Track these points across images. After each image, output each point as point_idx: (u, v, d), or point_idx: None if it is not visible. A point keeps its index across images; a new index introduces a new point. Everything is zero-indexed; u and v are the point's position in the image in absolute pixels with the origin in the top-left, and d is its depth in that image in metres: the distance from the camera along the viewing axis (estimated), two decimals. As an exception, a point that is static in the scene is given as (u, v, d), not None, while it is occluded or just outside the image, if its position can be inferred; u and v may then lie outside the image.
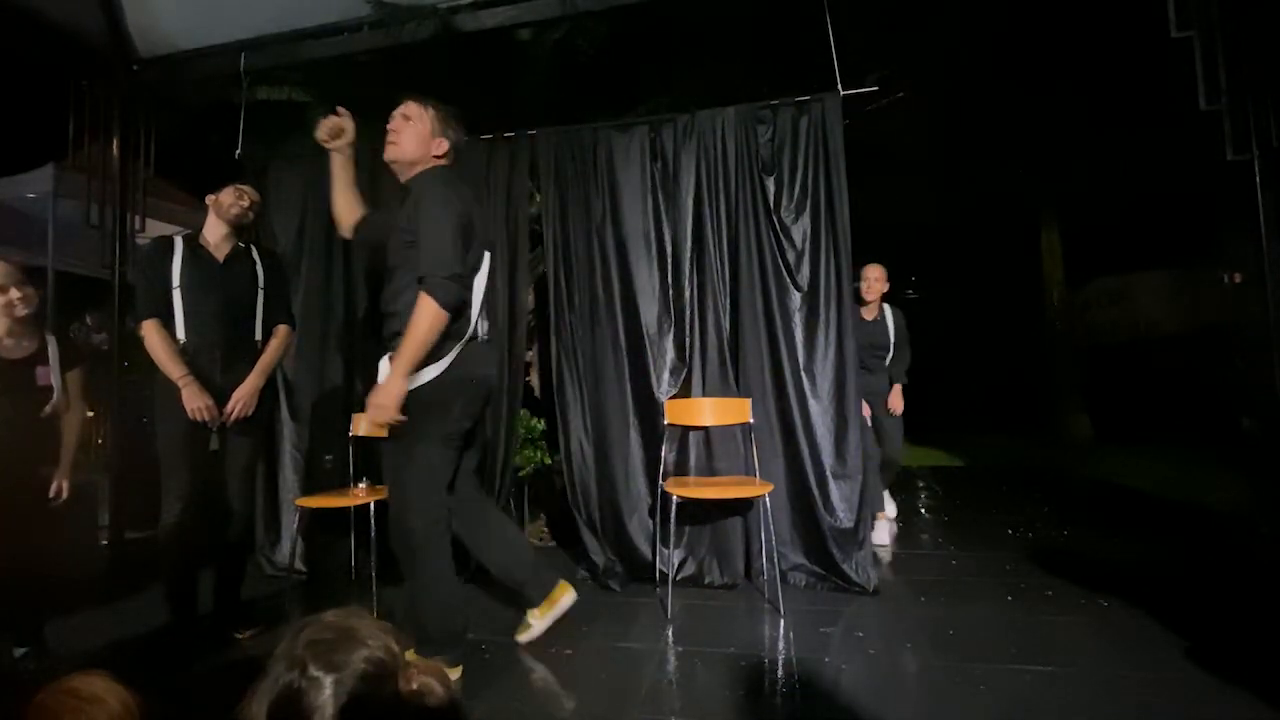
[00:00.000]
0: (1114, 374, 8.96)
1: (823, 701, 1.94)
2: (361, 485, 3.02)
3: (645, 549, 3.06)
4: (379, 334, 2.22)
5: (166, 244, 2.52)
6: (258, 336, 2.61)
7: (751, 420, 2.97)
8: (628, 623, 2.63)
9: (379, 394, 1.94)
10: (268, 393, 2.63)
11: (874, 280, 3.76)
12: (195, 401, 2.37)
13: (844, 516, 2.93)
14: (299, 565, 3.31)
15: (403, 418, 1.95)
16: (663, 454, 3.02)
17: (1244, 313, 5.96)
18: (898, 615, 2.62)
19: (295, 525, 3.29)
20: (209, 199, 2.59)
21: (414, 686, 0.75)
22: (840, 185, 2.99)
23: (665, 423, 3.05)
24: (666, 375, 3.16)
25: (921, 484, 5.68)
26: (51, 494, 2.48)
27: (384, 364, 2.11)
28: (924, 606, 2.70)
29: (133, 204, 3.66)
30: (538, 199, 3.51)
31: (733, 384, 3.08)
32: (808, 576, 2.94)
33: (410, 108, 2.16)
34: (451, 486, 2.18)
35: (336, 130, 2.23)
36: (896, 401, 3.79)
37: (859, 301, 3.75)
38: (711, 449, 3.08)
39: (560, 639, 2.42)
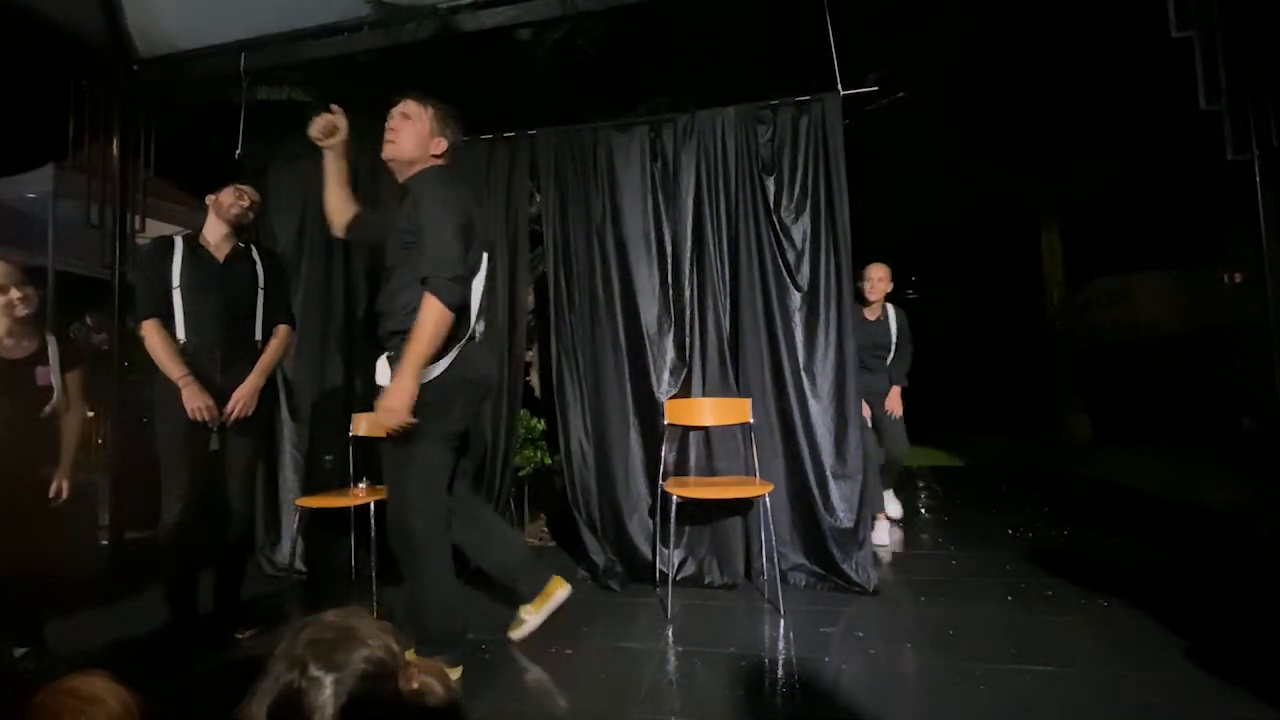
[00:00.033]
0: (1114, 374, 8.96)
1: (823, 701, 1.94)
2: (361, 485, 3.02)
3: (645, 549, 3.06)
4: (376, 334, 2.21)
5: (166, 244, 2.52)
6: (258, 336, 2.61)
7: (751, 420, 2.97)
8: (628, 623, 2.63)
9: (389, 397, 1.93)
10: (268, 393, 2.63)
11: (877, 280, 3.75)
12: (195, 401, 2.37)
13: (844, 516, 2.93)
14: (299, 565, 3.31)
15: (414, 420, 1.94)
16: (663, 454, 3.02)
17: (1244, 313, 5.96)
18: (898, 615, 2.62)
19: (295, 525, 3.29)
20: (209, 199, 2.59)
21: (414, 686, 0.75)
22: (840, 185, 2.99)
23: (665, 423, 3.05)
24: (666, 375, 3.16)
25: (921, 484, 5.68)
26: (51, 494, 2.48)
27: (382, 364, 2.11)
28: (924, 606, 2.70)
29: (133, 204, 3.66)
30: (538, 199, 3.51)
31: (733, 384, 3.08)
32: (808, 576, 2.94)
33: (410, 106, 2.16)
34: (449, 487, 2.18)
35: (330, 128, 2.22)
36: (895, 403, 3.78)
37: (862, 301, 3.75)
38: (711, 449, 3.08)
39: (560, 639, 2.42)
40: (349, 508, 3.15)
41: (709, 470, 3.07)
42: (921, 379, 3.95)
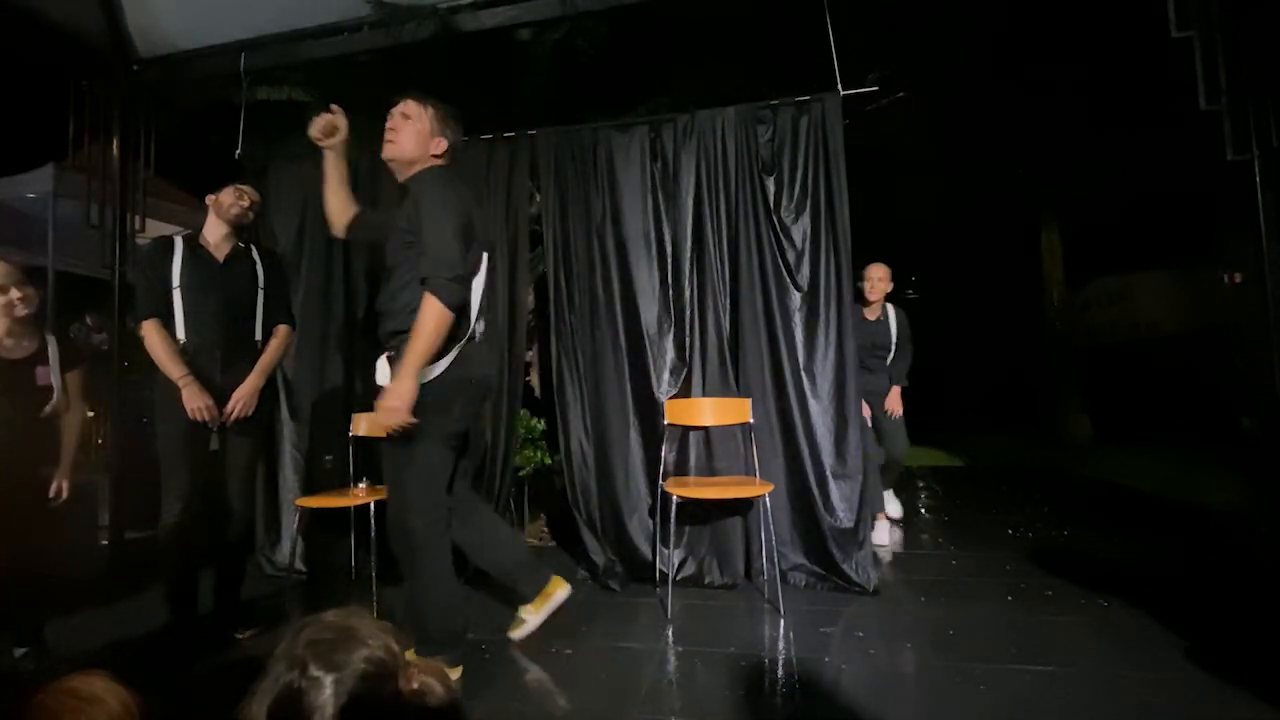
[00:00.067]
0: (1114, 374, 8.95)
1: (823, 701, 1.94)
2: (361, 485, 3.02)
3: (645, 549, 3.06)
4: (376, 334, 2.21)
5: (166, 244, 2.52)
6: (258, 336, 2.61)
7: (751, 420, 2.97)
8: (628, 623, 2.63)
9: (389, 397, 1.93)
10: (268, 393, 2.63)
11: (877, 280, 3.75)
12: (195, 401, 2.37)
13: (844, 516, 2.93)
14: (299, 565, 3.31)
15: (414, 420, 1.94)
16: (663, 454, 3.02)
17: (1244, 313, 5.96)
18: (898, 615, 2.62)
19: (295, 525, 3.29)
20: (209, 199, 2.59)
21: (414, 686, 0.75)
22: (840, 185, 2.99)
23: (665, 423, 3.05)
24: (666, 375, 3.16)
25: (921, 484, 5.68)
26: (51, 494, 2.48)
27: (381, 364, 2.11)
28: (924, 606, 2.70)
29: (133, 204, 3.66)
30: (538, 199, 3.51)
31: (733, 384, 3.08)
32: (808, 576, 2.94)
33: (410, 106, 2.15)
34: (449, 487, 2.18)
35: (330, 128, 2.22)
36: (894, 403, 3.78)
37: (862, 301, 3.75)
38: (711, 449, 3.08)
39: (560, 639, 2.42)
40: (349, 508, 3.15)
41: (709, 470, 3.07)
42: (921, 379, 3.95)
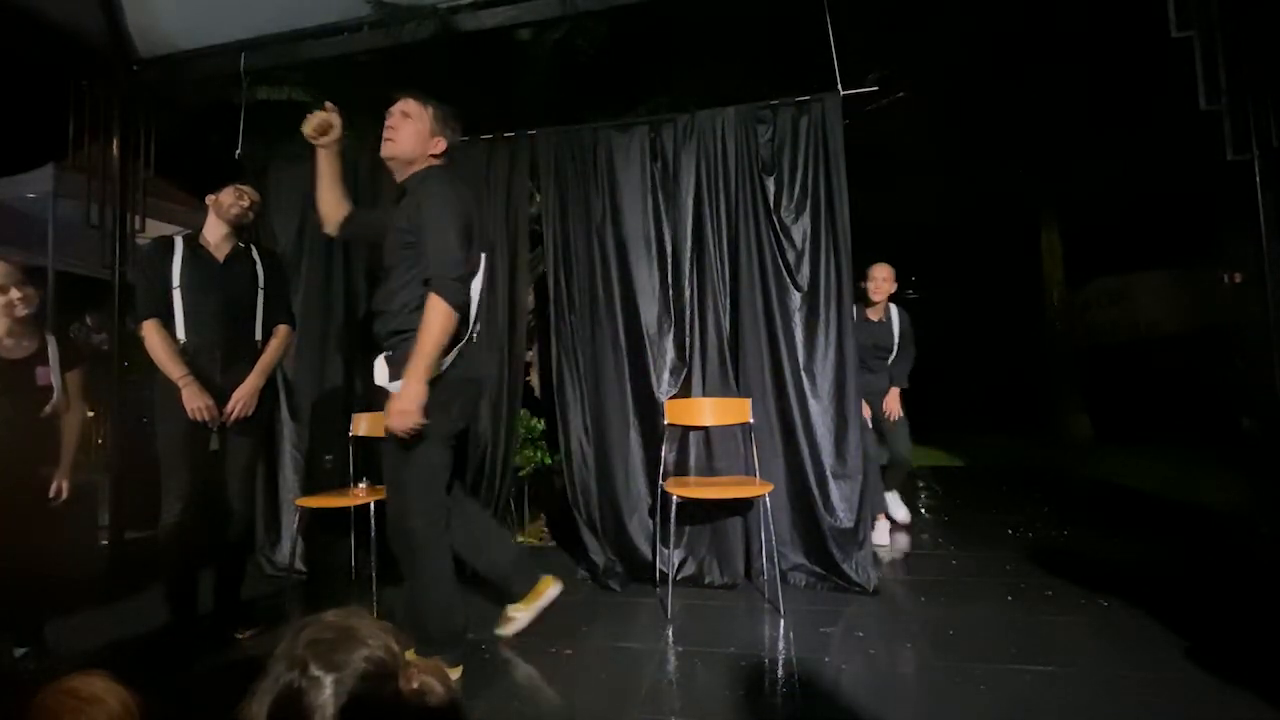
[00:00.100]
0: (1114, 374, 8.95)
1: (823, 701, 1.94)
2: (361, 485, 3.02)
3: (645, 549, 3.06)
4: (372, 333, 2.21)
5: (166, 244, 2.52)
6: (258, 336, 2.61)
7: (751, 420, 2.97)
8: (628, 623, 2.63)
9: (401, 400, 1.92)
10: (268, 393, 2.63)
11: (881, 280, 3.73)
12: (195, 401, 2.37)
13: (844, 516, 2.93)
14: (299, 565, 3.31)
15: (425, 420, 1.94)
16: (663, 454, 3.02)
17: (1244, 313, 5.96)
18: (898, 615, 2.63)
19: (295, 525, 3.29)
20: (209, 199, 2.59)
21: (414, 686, 0.75)
22: (840, 185, 2.99)
23: (665, 423, 3.05)
24: (666, 375, 3.16)
25: (921, 484, 5.68)
26: (51, 494, 2.48)
27: (380, 363, 2.10)
28: (924, 606, 2.70)
29: (133, 204, 3.66)
30: (538, 199, 3.51)
31: (733, 384, 3.08)
32: (808, 576, 2.94)
33: (410, 105, 2.15)
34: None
35: (325, 126, 2.20)
36: (893, 404, 3.75)
37: (865, 302, 3.73)
38: (711, 449, 3.08)
39: (560, 639, 2.43)
40: (349, 508, 3.16)
41: (709, 470, 3.07)
42: (921, 379, 3.94)
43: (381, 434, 2.12)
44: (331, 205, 2.31)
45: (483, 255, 2.18)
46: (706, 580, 2.99)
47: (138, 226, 3.68)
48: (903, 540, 3.74)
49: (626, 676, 2.15)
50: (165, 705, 0.87)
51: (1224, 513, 3.99)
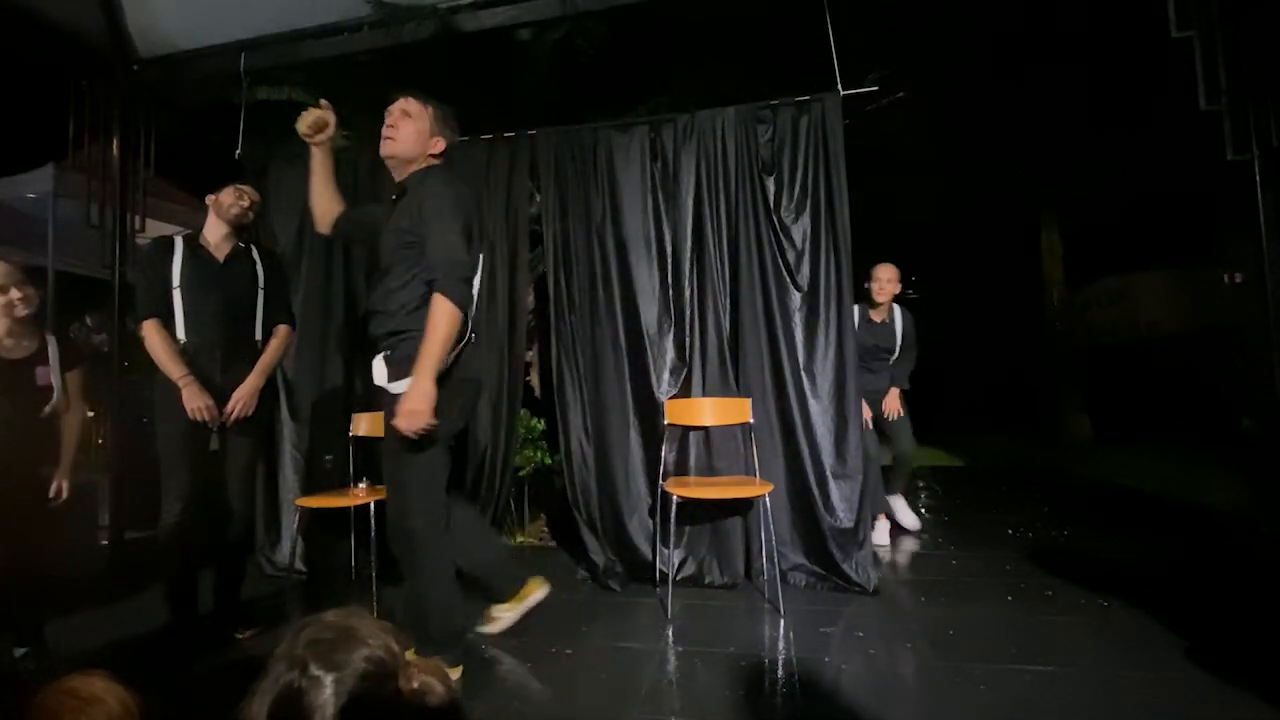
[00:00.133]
0: (1114, 374, 8.96)
1: (823, 701, 1.94)
2: (361, 485, 3.02)
3: (645, 549, 3.06)
4: (368, 333, 2.21)
5: (166, 244, 2.52)
6: (258, 336, 2.61)
7: (751, 420, 2.97)
8: (628, 623, 2.63)
9: (410, 399, 1.91)
10: (268, 393, 2.63)
11: (886, 281, 3.67)
12: (195, 401, 2.37)
13: (844, 516, 2.93)
14: (299, 565, 3.31)
15: (436, 421, 1.94)
16: (663, 454, 3.02)
17: (1244, 313, 5.96)
18: (898, 615, 2.63)
19: (295, 525, 3.29)
20: (209, 199, 2.59)
21: (414, 686, 0.75)
22: (840, 185, 2.99)
23: (665, 423, 3.05)
24: (666, 375, 3.16)
25: (921, 484, 5.68)
26: (51, 494, 2.48)
27: (378, 363, 2.10)
28: (924, 606, 2.70)
29: (133, 204, 3.66)
30: (538, 199, 3.51)
31: (733, 384, 3.08)
32: (808, 576, 2.94)
33: (410, 104, 2.15)
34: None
35: (320, 124, 2.20)
36: (892, 404, 3.73)
37: (869, 303, 3.70)
38: (711, 449, 3.08)
39: (560, 639, 2.43)
40: (349, 508, 3.16)
41: (709, 470, 3.07)
42: (922, 379, 3.93)
43: (381, 434, 2.12)
44: (324, 203, 2.31)
45: (479, 257, 2.18)
46: (706, 580, 2.99)
47: (138, 226, 3.68)
48: (909, 542, 3.73)
49: (626, 676, 2.15)
50: (165, 705, 0.87)
51: (1224, 513, 3.99)
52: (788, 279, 3.07)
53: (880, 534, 3.63)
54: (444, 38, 3.28)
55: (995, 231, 9.85)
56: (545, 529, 3.97)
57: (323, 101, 2.23)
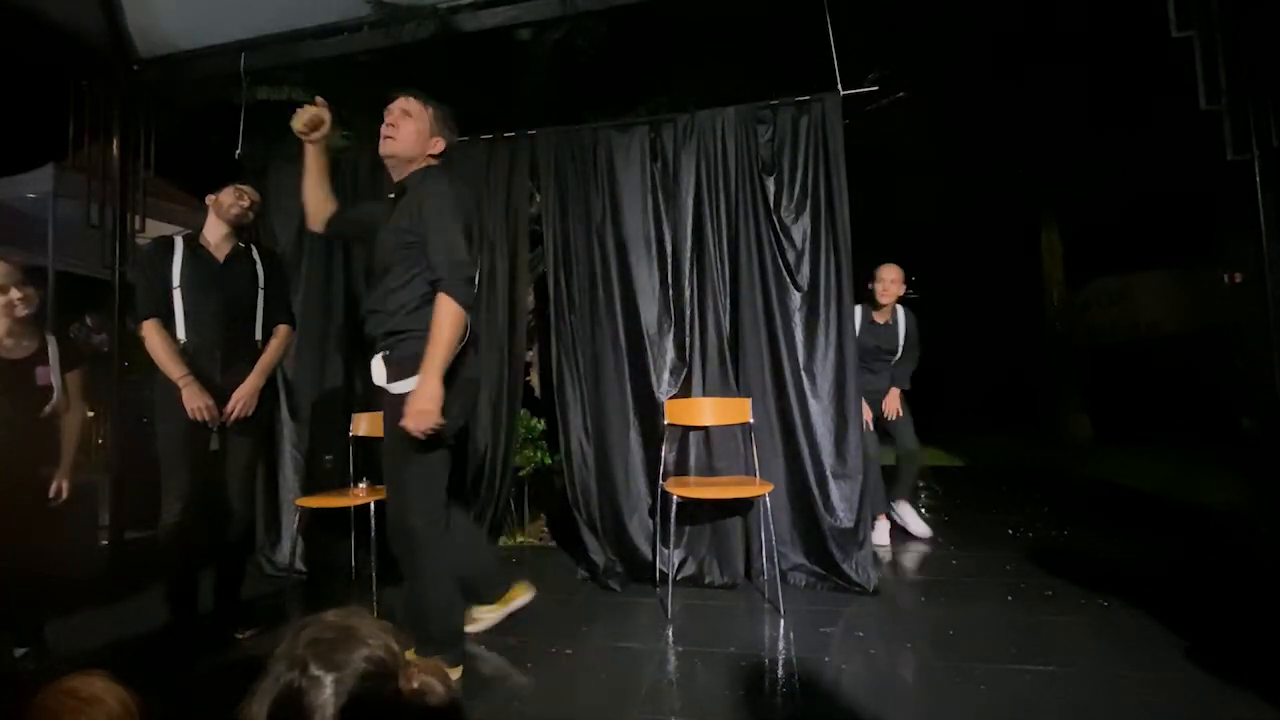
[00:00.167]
0: (1114, 374, 8.96)
1: (823, 701, 1.94)
2: (361, 485, 3.02)
3: (645, 549, 3.06)
4: (365, 333, 2.21)
5: (166, 244, 2.52)
6: (258, 336, 2.61)
7: (751, 420, 2.97)
8: (628, 623, 2.63)
9: (419, 400, 1.91)
10: (268, 393, 2.63)
11: (890, 282, 3.62)
12: (195, 401, 2.37)
13: (844, 516, 2.93)
14: (299, 565, 3.31)
15: (444, 421, 1.94)
16: (663, 454, 3.02)
17: (1244, 313, 5.96)
18: (898, 615, 2.63)
19: (295, 525, 3.29)
20: (209, 199, 2.59)
21: (414, 686, 0.75)
22: (840, 185, 2.99)
23: (665, 423, 3.05)
24: (666, 375, 3.16)
25: (921, 484, 5.67)
26: (51, 494, 2.48)
27: (377, 363, 2.10)
28: (924, 606, 2.70)
29: (133, 204, 3.66)
30: (538, 199, 3.51)
31: (733, 384, 3.08)
32: (808, 576, 2.94)
33: (411, 104, 2.14)
34: None
35: (316, 122, 2.19)
36: (892, 404, 3.69)
37: (873, 304, 3.67)
38: (711, 449, 3.08)
39: (560, 639, 2.43)
40: (349, 508, 3.15)
41: (709, 470, 3.07)
42: (922, 379, 3.91)
43: (381, 434, 2.12)
44: (318, 201, 2.30)
45: (478, 256, 2.18)
46: (706, 580, 2.99)
47: (138, 226, 3.68)
48: (909, 542, 3.71)
49: (626, 676, 2.15)
50: (165, 705, 0.87)
51: (1224, 513, 3.99)
52: (788, 279, 3.07)
53: (880, 534, 3.62)
54: (444, 38, 3.28)
55: (995, 231, 9.84)
56: (545, 529, 3.97)
57: (318, 99, 2.22)
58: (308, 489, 3.35)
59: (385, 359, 2.07)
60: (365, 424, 3.24)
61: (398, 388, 2.01)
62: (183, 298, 2.46)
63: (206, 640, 2.47)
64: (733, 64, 5.28)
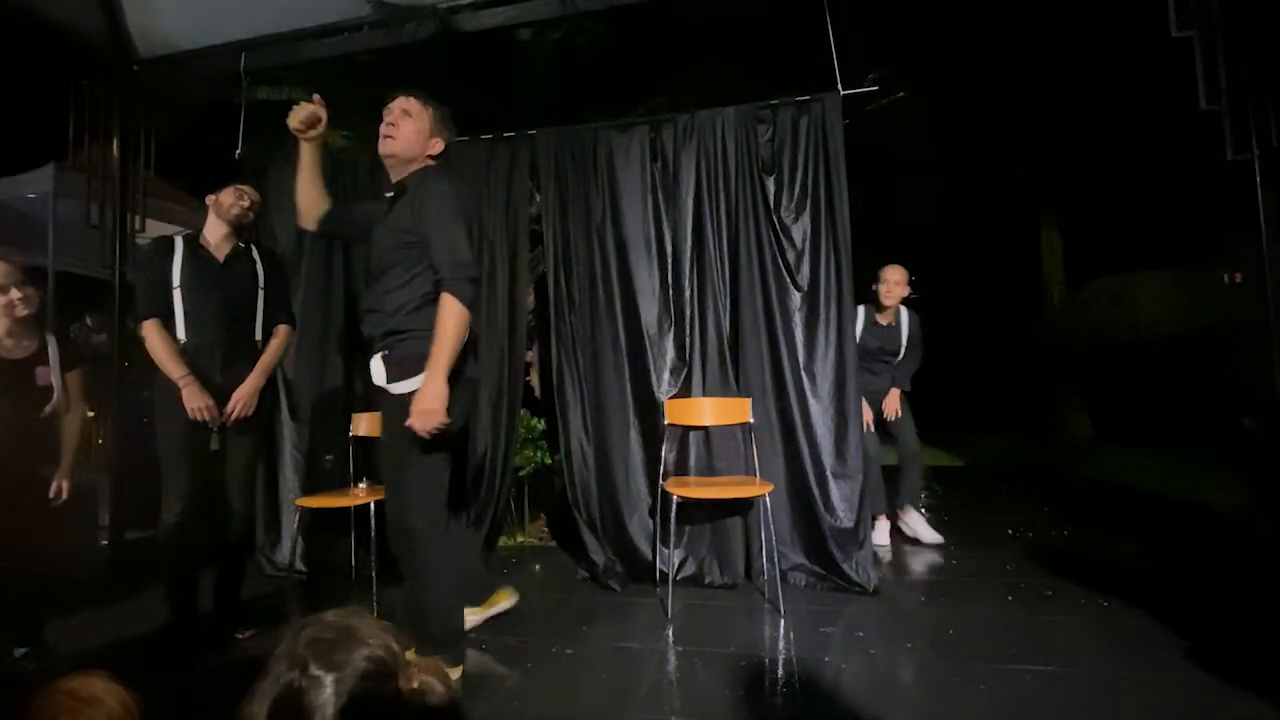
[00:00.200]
0: (1114, 374, 8.95)
1: (823, 701, 1.94)
2: (361, 485, 3.03)
3: (645, 549, 3.06)
4: (362, 332, 2.21)
5: (166, 244, 2.52)
6: (258, 336, 2.61)
7: (751, 420, 2.97)
8: (628, 623, 2.63)
9: (424, 399, 1.91)
10: (268, 393, 2.63)
11: (894, 283, 3.59)
12: (195, 401, 2.37)
13: (844, 516, 2.93)
14: (299, 565, 3.31)
15: (449, 420, 1.94)
16: (663, 454, 3.02)
17: (1244, 313, 5.96)
18: (898, 615, 2.63)
19: (295, 525, 3.29)
20: (209, 199, 2.59)
21: (414, 685, 0.75)
22: (840, 185, 2.99)
23: (665, 422, 3.05)
24: (666, 375, 3.16)
25: (922, 484, 5.67)
26: (51, 494, 2.48)
27: (376, 363, 2.10)
28: (924, 606, 2.70)
29: (133, 204, 3.66)
30: (538, 199, 3.51)
31: (733, 384, 3.08)
32: (808, 576, 2.94)
33: (411, 104, 2.14)
34: None
35: (312, 120, 2.18)
36: (891, 405, 3.67)
37: (876, 305, 3.64)
38: (711, 449, 3.08)
39: (560, 639, 2.43)
40: (349, 508, 3.16)
41: (709, 470, 3.07)
42: (922, 379, 3.91)
43: (385, 432, 2.12)
44: (310, 199, 2.29)
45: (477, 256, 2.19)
46: (706, 580, 2.99)
47: (138, 226, 3.69)
48: (909, 542, 3.69)
49: (626, 676, 2.15)
50: (165, 705, 0.87)
51: (1224, 513, 3.99)
52: (788, 279, 3.07)
53: (880, 534, 3.62)
54: (444, 38, 3.28)
55: (995, 231, 9.84)
56: (545, 529, 3.97)
57: (315, 97, 2.21)
58: (308, 489, 3.35)
59: (385, 359, 2.07)
60: (365, 424, 3.25)
61: (398, 388, 2.01)
62: (183, 298, 2.46)
63: (206, 640, 2.47)
64: (733, 64, 5.28)
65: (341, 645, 0.73)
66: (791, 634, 2.44)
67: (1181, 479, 5.11)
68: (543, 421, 3.95)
